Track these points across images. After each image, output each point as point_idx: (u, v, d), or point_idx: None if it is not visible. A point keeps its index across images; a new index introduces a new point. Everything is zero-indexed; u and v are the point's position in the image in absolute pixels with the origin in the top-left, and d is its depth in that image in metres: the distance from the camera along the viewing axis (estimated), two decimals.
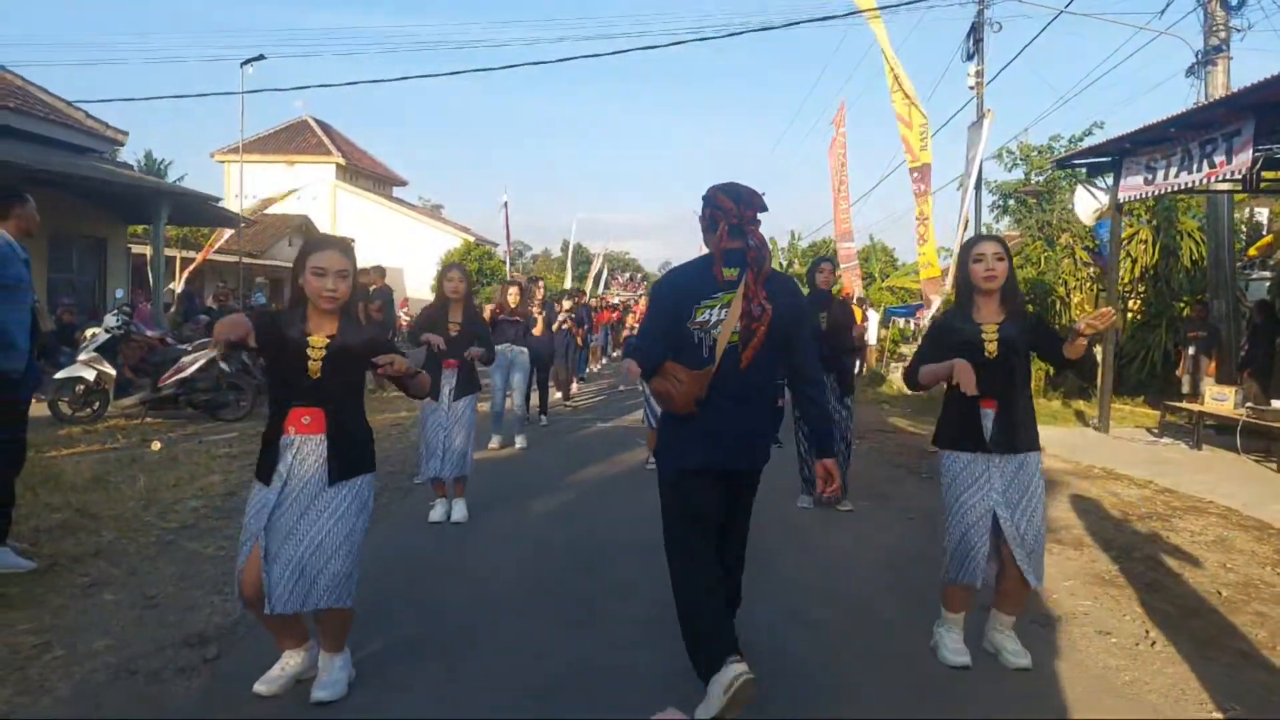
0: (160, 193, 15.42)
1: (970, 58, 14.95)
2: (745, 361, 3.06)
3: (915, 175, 13.72)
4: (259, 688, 3.20)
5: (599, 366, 21.04)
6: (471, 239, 40.56)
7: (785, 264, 36.06)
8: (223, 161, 40.46)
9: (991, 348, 3.57)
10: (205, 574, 4.58)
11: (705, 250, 3.30)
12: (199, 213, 17.61)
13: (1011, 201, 17.69)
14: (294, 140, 42.52)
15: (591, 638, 3.87)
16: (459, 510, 5.95)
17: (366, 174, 44.08)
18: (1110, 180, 10.52)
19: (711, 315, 3.12)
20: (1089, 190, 10.68)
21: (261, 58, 19.05)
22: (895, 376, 18.00)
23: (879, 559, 5.30)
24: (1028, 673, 3.61)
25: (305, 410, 3.13)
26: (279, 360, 3.15)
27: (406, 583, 4.58)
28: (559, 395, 13.05)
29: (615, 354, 24.01)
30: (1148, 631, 4.18)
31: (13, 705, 3.04)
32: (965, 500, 3.59)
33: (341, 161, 41.57)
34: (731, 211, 3.18)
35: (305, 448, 3.12)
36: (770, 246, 25.57)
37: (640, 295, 27.39)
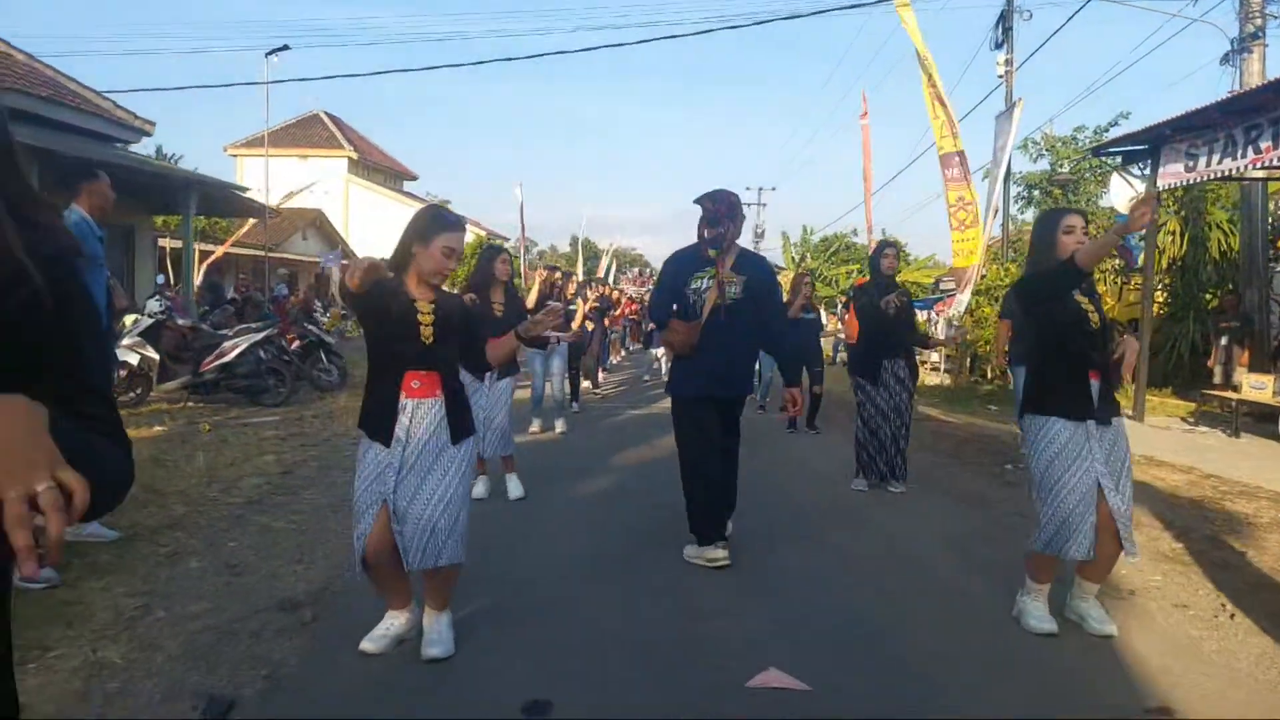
0: (190, 182, 15.46)
1: (999, 46, 14.92)
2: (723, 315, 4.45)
3: (954, 161, 13.68)
4: (366, 646, 3.24)
5: (618, 359, 21.07)
6: (483, 232, 40.66)
7: (798, 258, 36.03)
8: (235, 155, 40.53)
9: (1095, 319, 3.58)
10: (280, 545, 4.63)
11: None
12: (226, 203, 17.66)
13: (1036, 192, 17.66)
14: (306, 133, 42.59)
15: (673, 606, 3.91)
16: (515, 487, 6.00)
17: (378, 168, 44.16)
18: (1145, 168, 10.50)
19: (701, 284, 4.53)
20: (1125, 178, 10.66)
21: (286, 48, 19.12)
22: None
23: (939, 536, 5.32)
24: (1113, 640, 3.64)
25: (417, 374, 3.20)
26: (387, 326, 3.20)
27: (478, 555, 4.62)
28: (587, 384, 13.09)
29: (634, 347, 24.04)
30: (1224, 604, 4.20)
31: (131, 660, 3.10)
32: (1073, 471, 3.55)
33: (354, 155, 41.65)
34: (710, 210, 4.54)
35: (420, 410, 3.19)
36: (783, 240, 25.98)
37: (650, 290, 27.68)
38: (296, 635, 3.43)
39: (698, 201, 4.63)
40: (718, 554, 4.42)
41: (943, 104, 13.88)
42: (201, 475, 6.07)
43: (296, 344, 11.07)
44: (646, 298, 25.61)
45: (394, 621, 3.35)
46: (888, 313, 6.20)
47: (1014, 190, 17.71)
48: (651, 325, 18.37)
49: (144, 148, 17.76)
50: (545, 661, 3.26)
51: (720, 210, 4.53)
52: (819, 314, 10.18)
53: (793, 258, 36.04)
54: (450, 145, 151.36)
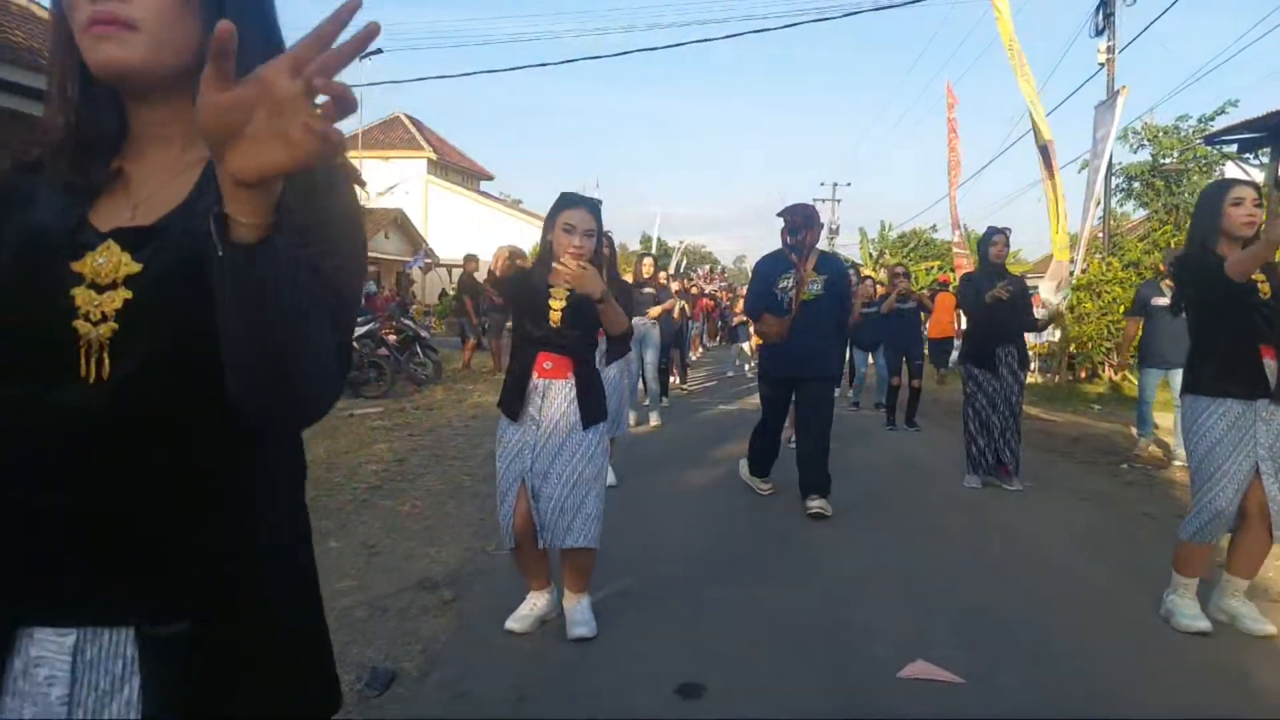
0: None
1: (1099, 33, 14.41)
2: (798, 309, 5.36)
3: (1049, 152, 13.26)
4: (512, 625, 3.31)
5: (697, 355, 21.04)
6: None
7: (875, 255, 35.42)
8: None
9: (1265, 289, 3.39)
10: (409, 528, 4.75)
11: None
12: None
13: (1137, 184, 17.00)
14: (388, 135, 43.62)
15: (811, 595, 3.89)
16: (609, 474, 6.05)
17: (455, 168, 44.97)
18: (1263, 157, 10.01)
19: (788, 283, 5.39)
20: (1240, 167, 10.18)
21: (379, 51, 19.57)
22: None
23: (1067, 534, 5.16)
24: (1273, 640, 3.47)
25: (550, 356, 3.27)
26: (525, 308, 3.29)
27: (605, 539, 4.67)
28: (674, 379, 13.09)
29: (711, 344, 23.99)
30: None
31: None
32: (1234, 458, 3.39)
33: (433, 156, 42.48)
34: (790, 221, 5.47)
35: (551, 391, 3.26)
36: (860, 236, 26.09)
37: (723, 286, 27.67)
38: (441, 614, 3.51)
39: (780, 214, 5.54)
40: (765, 485, 5.91)
41: (1035, 93, 13.46)
42: (320, 462, 6.26)
43: (393, 338, 11.35)
44: (721, 295, 25.61)
45: (536, 601, 3.41)
46: (1000, 298, 6.00)
47: (1113, 182, 17.07)
48: (736, 321, 18.60)
49: None
50: (692, 645, 3.27)
51: (799, 221, 5.45)
52: (921, 304, 9.88)
53: (870, 254, 35.44)
54: (525, 145, 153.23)
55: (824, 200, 44.67)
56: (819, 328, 5.35)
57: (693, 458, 7.26)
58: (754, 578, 4.10)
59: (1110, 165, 14.56)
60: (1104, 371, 13.61)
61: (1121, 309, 13.25)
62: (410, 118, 44.89)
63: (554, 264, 3.17)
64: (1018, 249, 34.87)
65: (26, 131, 1.07)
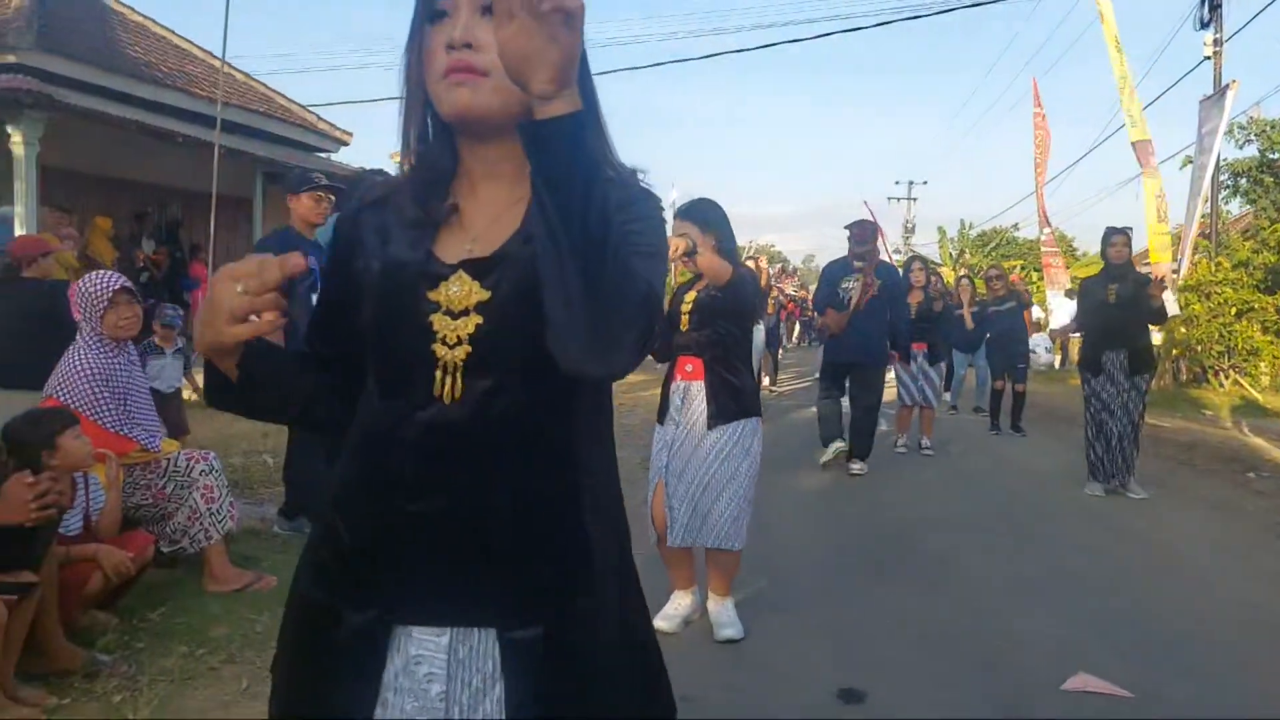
0: None
1: (1205, 25, 13.85)
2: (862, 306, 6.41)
3: (1145, 150, 12.82)
4: (660, 624, 3.34)
5: (780, 355, 20.89)
6: None
7: (955, 254, 34.62)
8: (400, 161, 42.79)
9: None
10: None
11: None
12: None
13: (1244, 181, 16.29)
14: None
15: (956, 602, 3.86)
16: None
17: None
18: None
19: (850, 285, 6.47)
20: None
21: None
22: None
23: (1205, 544, 5.02)
24: None
25: (688, 359, 3.37)
26: (666, 314, 3.37)
27: None
28: (765, 380, 13.05)
29: (788, 345, 23.82)
30: None
31: None
32: None
33: None
34: (856, 234, 6.64)
35: (690, 392, 3.35)
36: (939, 235, 26.18)
37: (796, 285, 27.73)
38: None
39: (847, 228, 6.76)
40: (840, 444, 6.75)
41: (1130, 89, 13.00)
42: None
43: None
44: (799, 294, 25.42)
45: (681, 602, 3.46)
46: (1109, 301, 5.96)
47: (1220, 179, 16.38)
48: (819, 326, 18.75)
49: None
50: (843, 649, 3.28)
51: (864, 235, 6.70)
52: (1025, 302, 9.49)
53: (950, 254, 34.64)
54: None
55: (899, 199, 43.82)
56: (872, 323, 6.49)
57: (799, 460, 7.21)
58: (889, 583, 4.08)
59: (1218, 162, 13.97)
60: (1214, 376, 13.06)
61: (1233, 311, 12.72)
62: None
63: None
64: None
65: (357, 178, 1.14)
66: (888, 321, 6.58)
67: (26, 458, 2.82)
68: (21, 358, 5.13)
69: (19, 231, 9.13)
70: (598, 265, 0.85)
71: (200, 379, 5.99)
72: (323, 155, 16.69)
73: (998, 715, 2.80)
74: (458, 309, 1.00)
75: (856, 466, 6.65)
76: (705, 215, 3.39)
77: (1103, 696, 2.92)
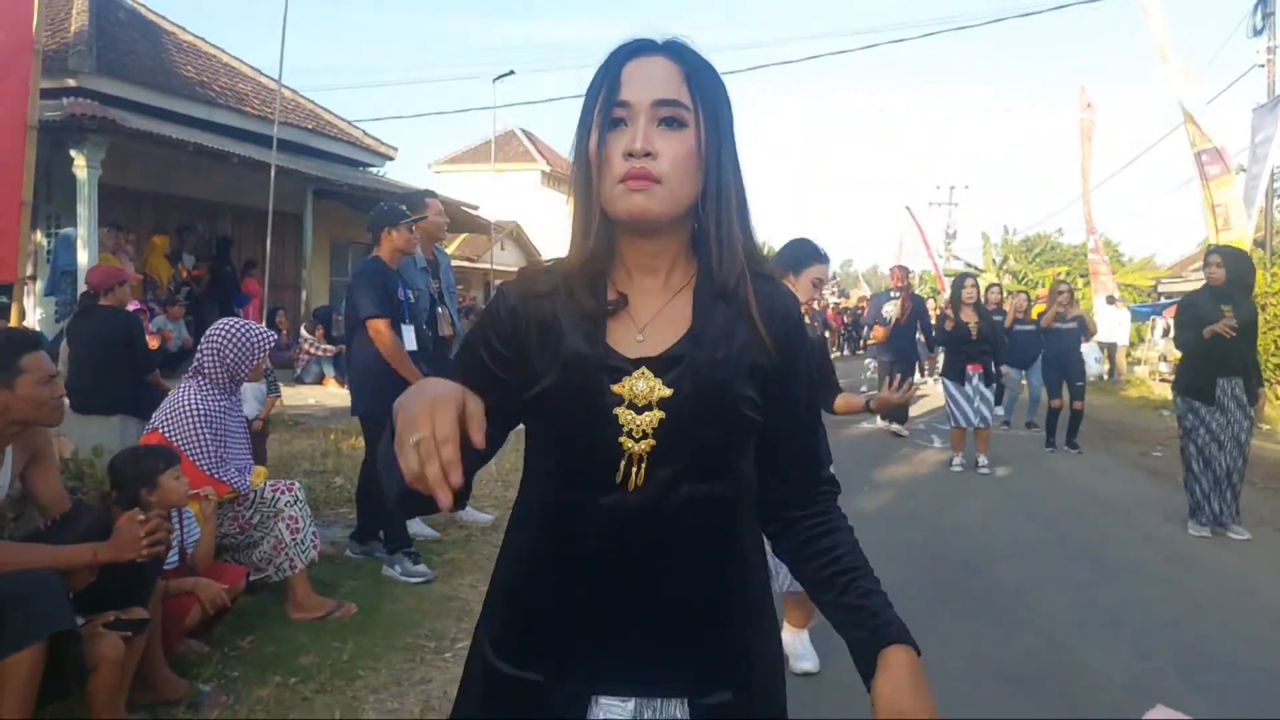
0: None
1: (1259, 32, 13.61)
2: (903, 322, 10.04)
3: (1205, 158, 12.61)
4: None
5: None
6: None
7: (999, 260, 34.20)
8: (440, 172, 43.19)
9: None
10: None
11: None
12: (455, 220, 18.89)
13: None
14: (503, 149, 44.77)
15: (1026, 635, 3.84)
16: None
17: (565, 179, 45.67)
18: None
19: (890, 309, 10.02)
20: None
21: (511, 73, 20.24)
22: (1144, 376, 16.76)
23: (1275, 571, 4.92)
24: None
25: None
26: None
27: None
28: None
29: (835, 354, 23.72)
30: None
31: None
32: None
33: (546, 168, 43.40)
34: (893, 274, 11.03)
35: None
36: (983, 241, 26.93)
37: (840, 292, 27.64)
38: None
39: (891, 270, 10.80)
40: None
41: (1185, 96, 12.80)
42: (497, 478, 6.52)
43: None
44: (845, 302, 25.40)
45: None
46: (1213, 325, 5.42)
47: (1274, 188, 16.04)
48: (866, 340, 19.11)
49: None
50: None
51: (901, 276, 10.57)
52: (1083, 322, 9.39)
53: (993, 260, 34.24)
54: None
55: (940, 204, 43.39)
56: (904, 336, 10.14)
57: (858, 480, 7.18)
58: (962, 617, 4.06)
59: (1272, 172, 13.70)
60: (1270, 389, 12.79)
61: None
62: (525, 131, 46.05)
63: None
64: (1152, 254, 33.14)
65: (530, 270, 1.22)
66: (917, 331, 10.38)
67: (128, 493, 2.94)
68: (99, 384, 5.32)
69: (81, 252, 9.41)
70: None
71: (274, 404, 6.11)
72: (370, 170, 16.98)
73: None
74: (641, 404, 1.06)
75: (895, 427, 9.90)
76: (799, 257, 3.33)
77: None
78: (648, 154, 1.04)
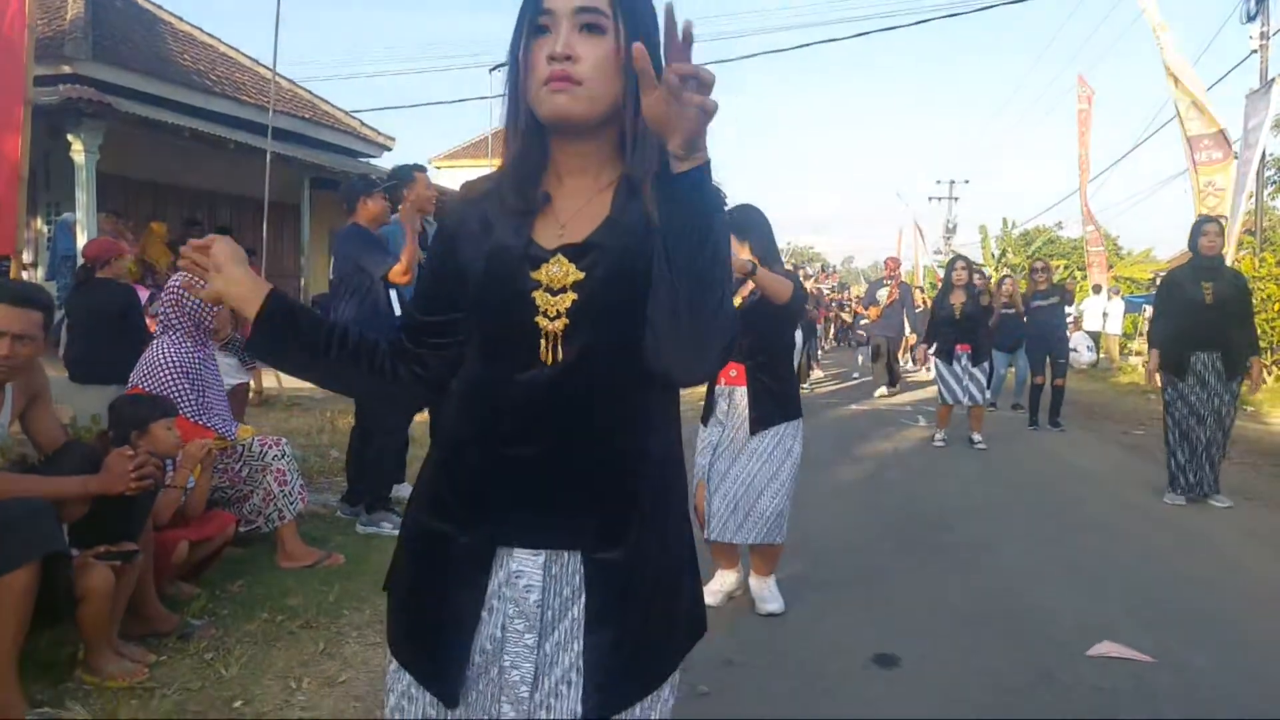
0: None
1: (1252, 18, 13.71)
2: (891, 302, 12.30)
3: (1204, 144, 12.74)
4: (704, 599, 3.53)
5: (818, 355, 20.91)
6: None
7: (998, 254, 34.30)
8: (440, 167, 43.28)
9: None
10: None
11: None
12: None
13: None
14: (499, 141, 44.72)
15: (988, 582, 3.99)
16: None
17: None
18: None
19: (883, 293, 12.61)
20: None
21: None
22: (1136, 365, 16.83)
23: (1238, 532, 5.07)
24: None
25: (732, 364, 3.47)
26: None
27: None
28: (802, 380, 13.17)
29: (826, 346, 23.81)
30: None
31: None
32: None
33: None
34: (886, 264, 14.15)
35: (735, 396, 3.48)
36: (981, 234, 27.41)
37: (834, 287, 27.61)
38: None
39: (885, 260, 13.40)
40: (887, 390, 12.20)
41: (1183, 81, 12.91)
42: None
43: None
44: (838, 296, 25.46)
45: (725, 578, 3.64)
46: (1204, 301, 5.49)
47: (1265, 174, 16.16)
48: (860, 333, 19.48)
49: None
50: (879, 622, 3.44)
51: (893, 265, 13.41)
52: (1064, 297, 9.53)
53: (992, 254, 34.32)
54: None
55: (939, 199, 43.49)
56: (893, 314, 12.20)
57: (839, 454, 7.34)
58: (926, 565, 4.23)
59: (1263, 157, 13.82)
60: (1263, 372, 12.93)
61: (1277, 307, 12.58)
62: None
63: None
64: (1149, 247, 33.20)
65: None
66: (902, 314, 12.46)
67: (122, 435, 3.09)
68: (97, 354, 5.45)
69: (80, 237, 9.56)
70: (704, 297, 1.06)
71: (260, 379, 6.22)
72: (367, 160, 17.10)
73: (1024, 678, 2.95)
74: (556, 287, 1.18)
75: (887, 391, 12.04)
76: (741, 223, 3.41)
77: (1126, 662, 3.06)
78: (568, 58, 1.15)
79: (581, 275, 1.18)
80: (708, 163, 1.03)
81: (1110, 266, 27.54)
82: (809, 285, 14.15)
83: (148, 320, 7.19)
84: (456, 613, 1.19)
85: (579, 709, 1.16)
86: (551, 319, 1.18)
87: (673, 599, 1.25)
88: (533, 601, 1.17)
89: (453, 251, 1.27)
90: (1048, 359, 9.04)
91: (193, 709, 2.54)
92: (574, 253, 1.19)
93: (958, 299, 7.89)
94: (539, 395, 1.18)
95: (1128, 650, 3.14)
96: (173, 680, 2.69)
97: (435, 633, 1.21)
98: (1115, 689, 2.87)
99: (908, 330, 13.53)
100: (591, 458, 1.19)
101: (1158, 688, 2.90)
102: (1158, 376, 5.86)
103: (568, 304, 1.18)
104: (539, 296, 1.18)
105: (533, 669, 1.16)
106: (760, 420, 3.43)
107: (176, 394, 3.58)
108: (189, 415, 3.58)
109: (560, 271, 1.19)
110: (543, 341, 1.18)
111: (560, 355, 1.17)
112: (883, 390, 12.08)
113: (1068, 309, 10.87)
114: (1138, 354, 19.90)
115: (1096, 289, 18.47)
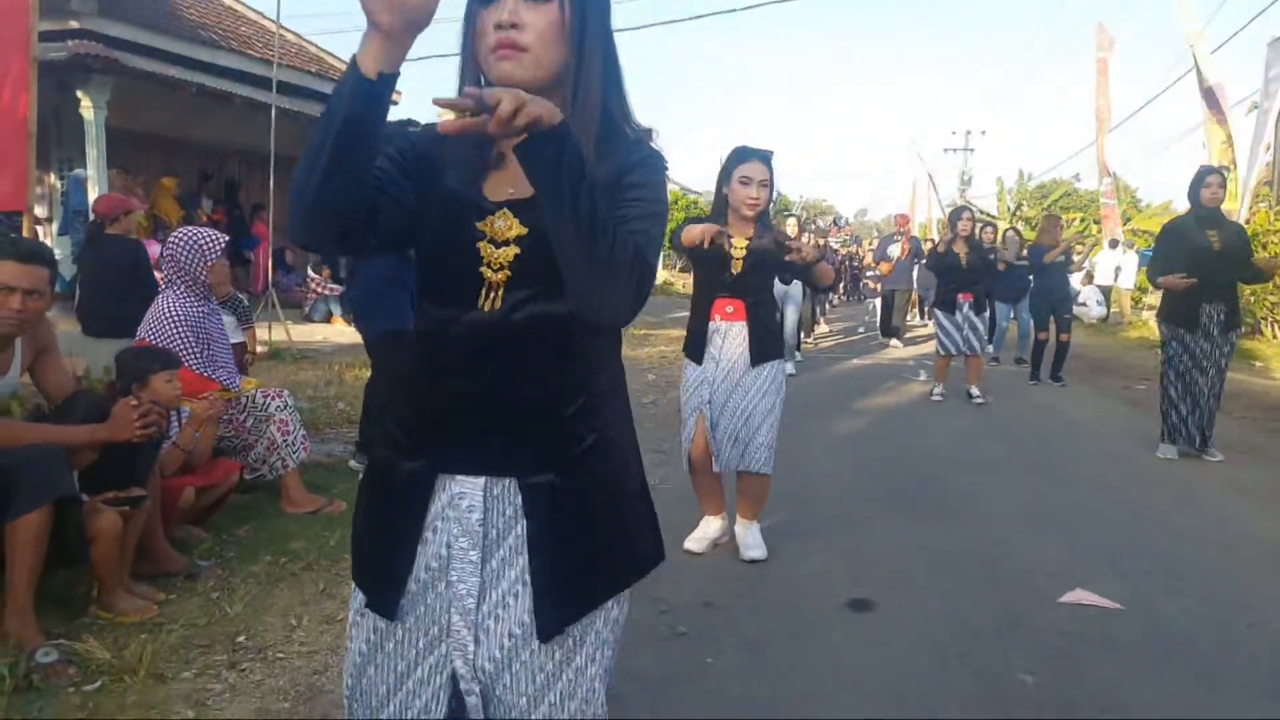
0: None
1: None
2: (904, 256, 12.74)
3: (1213, 96, 12.55)
4: (690, 546, 3.67)
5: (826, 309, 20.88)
6: (676, 189, 40.99)
7: (1013, 207, 33.92)
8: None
9: None
10: None
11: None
12: None
13: None
14: None
15: (968, 531, 4.10)
16: None
17: None
18: None
19: (894, 249, 12.90)
20: None
21: None
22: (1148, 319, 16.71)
23: (1223, 485, 5.14)
24: None
25: (728, 301, 3.57)
26: (705, 261, 3.58)
27: None
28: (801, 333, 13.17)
29: (835, 300, 23.77)
30: None
31: None
32: None
33: None
34: (896, 220, 14.83)
35: (731, 332, 3.58)
36: (998, 187, 27.35)
37: (846, 241, 27.40)
38: None
39: (895, 217, 14.79)
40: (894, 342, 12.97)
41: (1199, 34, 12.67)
42: None
43: None
44: (852, 249, 25.39)
45: (710, 525, 3.77)
46: (1212, 248, 5.44)
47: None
48: (865, 282, 19.48)
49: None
50: (856, 569, 3.56)
51: (903, 222, 13.75)
52: (1071, 258, 9.58)
53: (1008, 207, 33.95)
54: (644, 100, 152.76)
55: (955, 150, 42.89)
56: (904, 269, 12.69)
57: (835, 406, 7.45)
58: (909, 514, 4.34)
59: None
60: (1268, 328, 12.87)
61: None
62: None
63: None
64: (1169, 200, 32.74)
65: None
66: (912, 269, 12.80)
67: (125, 385, 3.22)
68: (108, 308, 5.58)
69: (92, 192, 9.67)
70: (588, 248, 1.14)
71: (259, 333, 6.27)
72: None
73: (995, 623, 3.06)
74: (500, 239, 1.27)
75: (893, 343, 12.77)
76: (774, 164, 3.59)
77: (1096, 609, 3.17)
78: (514, 25, 1.22)
79: (525, 230, 1.26)
80: (555, 132, 1.10)
81: (1128, 219, 27.26)
82: (816, 241, 14.10)
83: (156, 275, 7.36)
84: (399, 534, 1.30)
85: (526, 619, 1.26)
86: (495, 270, 1.26)
87: (619, 524, 1.34)
88: (475, 520, 1.27)
89: (417, 159, 1.32)
90: (1052, 316, 9.03)
91: (199, 643, 2.69)
92: (519, 207, 1.27)
93: (962, 249, 7.93)
94: (483, 336, 1.27)
95: (1098, 598, 3.24)
96: (180, 616, 2.85)
97: (379, 553, 1.33)
98: (1081, 634, 2.98)
99: (915, 285, 13.71)
100: (529, 393, 1.27)
101: (1122, 634, 3.00)
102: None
103: (510, 257, 1.26)
104: (484, 248, 1.27)
105: (479, 583, 1.27)
106: (760, 355, 3.56)
107: (181, 347, 3.70)
108: (194, 367, 3.70)
109: (504, 225, 1.27)
110: (484, 289, 1.27)
111: (499, 304, 1.26)
112: (896, 342, 12.84)
113: (1075, 259, 10.87)
114: (1150, 308, 19.79)
115: (1113, 244, 18.30)
